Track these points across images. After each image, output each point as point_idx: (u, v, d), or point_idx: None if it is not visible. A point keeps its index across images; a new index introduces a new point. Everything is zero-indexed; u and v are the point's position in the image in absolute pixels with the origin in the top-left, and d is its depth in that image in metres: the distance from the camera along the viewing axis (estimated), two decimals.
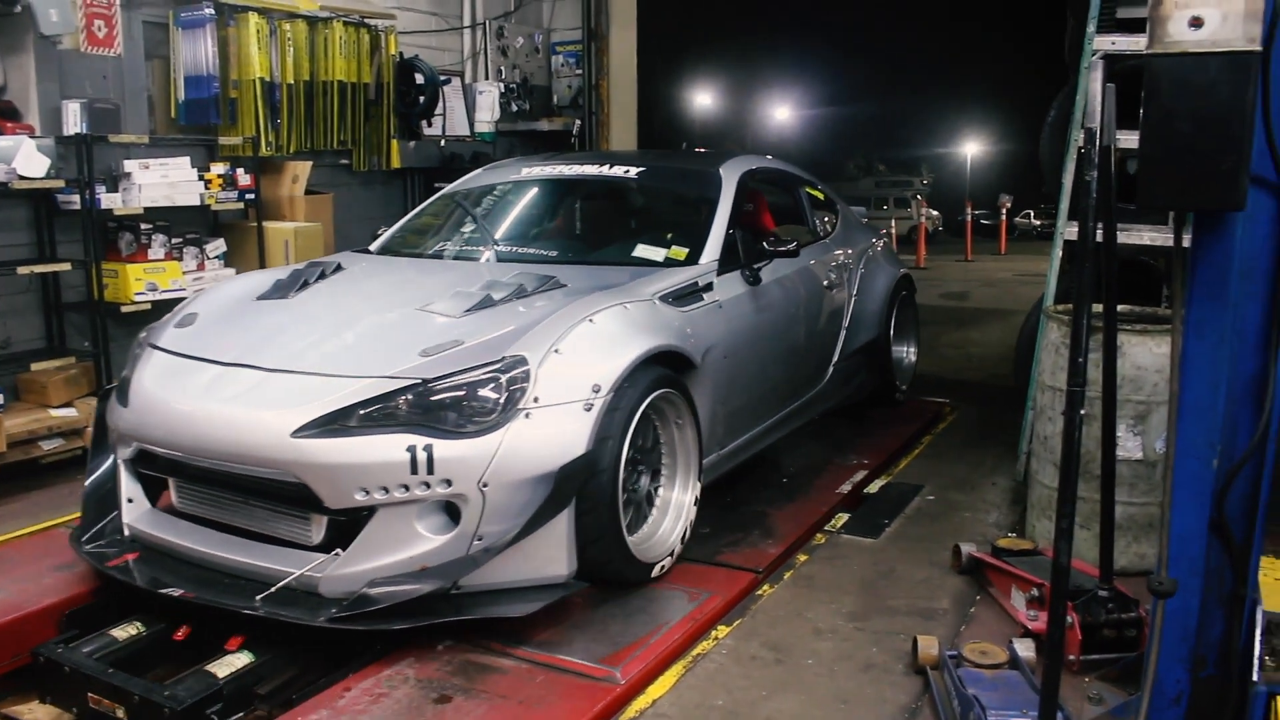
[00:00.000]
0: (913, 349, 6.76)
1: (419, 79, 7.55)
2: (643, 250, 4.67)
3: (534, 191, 5.38)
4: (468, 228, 5.21)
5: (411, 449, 3.23)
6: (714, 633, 3.60)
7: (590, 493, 3.45)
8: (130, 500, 3.88)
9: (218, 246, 6.10)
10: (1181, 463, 2.74)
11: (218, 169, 6.07)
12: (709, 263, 4.48)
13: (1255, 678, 2.66)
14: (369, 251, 5.13)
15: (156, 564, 3.70)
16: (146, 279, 5.63)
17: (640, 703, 3.14)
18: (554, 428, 3.38)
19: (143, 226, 5.65)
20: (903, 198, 24.64)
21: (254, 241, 6.27)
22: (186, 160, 5.82)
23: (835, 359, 5.62)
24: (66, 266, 5.37)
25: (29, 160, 5.07)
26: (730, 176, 5.02)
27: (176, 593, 3.48)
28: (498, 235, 5.09)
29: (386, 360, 3.51)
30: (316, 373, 3.54)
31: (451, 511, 3.32)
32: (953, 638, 3.51)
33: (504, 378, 3.38)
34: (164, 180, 5.63)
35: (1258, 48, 2.30)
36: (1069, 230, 4.77)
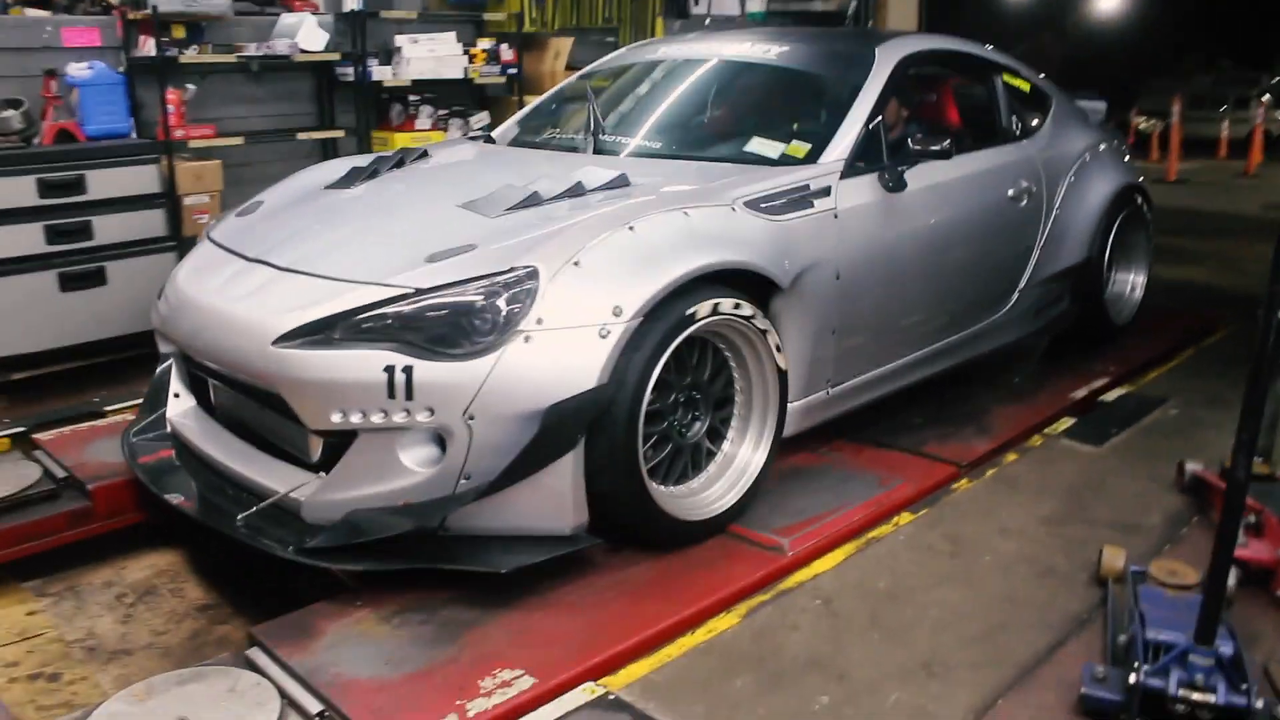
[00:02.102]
0: (1140, 278, 5.68)
1: None
2: (757, 145, 4.01)
3: (664, 74, 4.72)
4: (583, 114, 4.57)
5: (390, 369, 2.83)
6: (896, 519, 3.55)
7: (604, 436, 2.96)
8: (177, 396, 3.71)
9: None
10: None
11: (483, 44, 6.38)
12: (833, 162, 3.81)
13: None
14: (488, 138, 4.81)
15: (182, 465, 3.54)
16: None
17: (801, 575, 3.18)
18: (558, 356, 2.89)
19: (411, 98, 6.06)
20: (1244, 96, 22.11)
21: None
22: (453, 35, 6.14)
23: (1022, 284, 4.79)
24: (341, 133, 5.86)
25: (310, 35, 5.54)
26: (886, 59, 4.25)
27: (176, 500, 3.34)
28: (610, 124, 4.46)
29: (391, 265, 3.11)
30: (321, 275, 3.19)
31: (441, 443, 2.92)
32: (1152, 556, 3.30)
33: (505, 293, 2.91)
34: (431, 54, 5.98)
35: None
36: None
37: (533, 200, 3.39)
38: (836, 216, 3.67)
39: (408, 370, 2.82)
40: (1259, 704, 2.35)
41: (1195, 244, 8.70)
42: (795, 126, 4.17)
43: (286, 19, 5.63)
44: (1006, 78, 5.01)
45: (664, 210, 3.24)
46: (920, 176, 4.03)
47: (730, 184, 3.52)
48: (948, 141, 3.99)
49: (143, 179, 5.01)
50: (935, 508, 3.64)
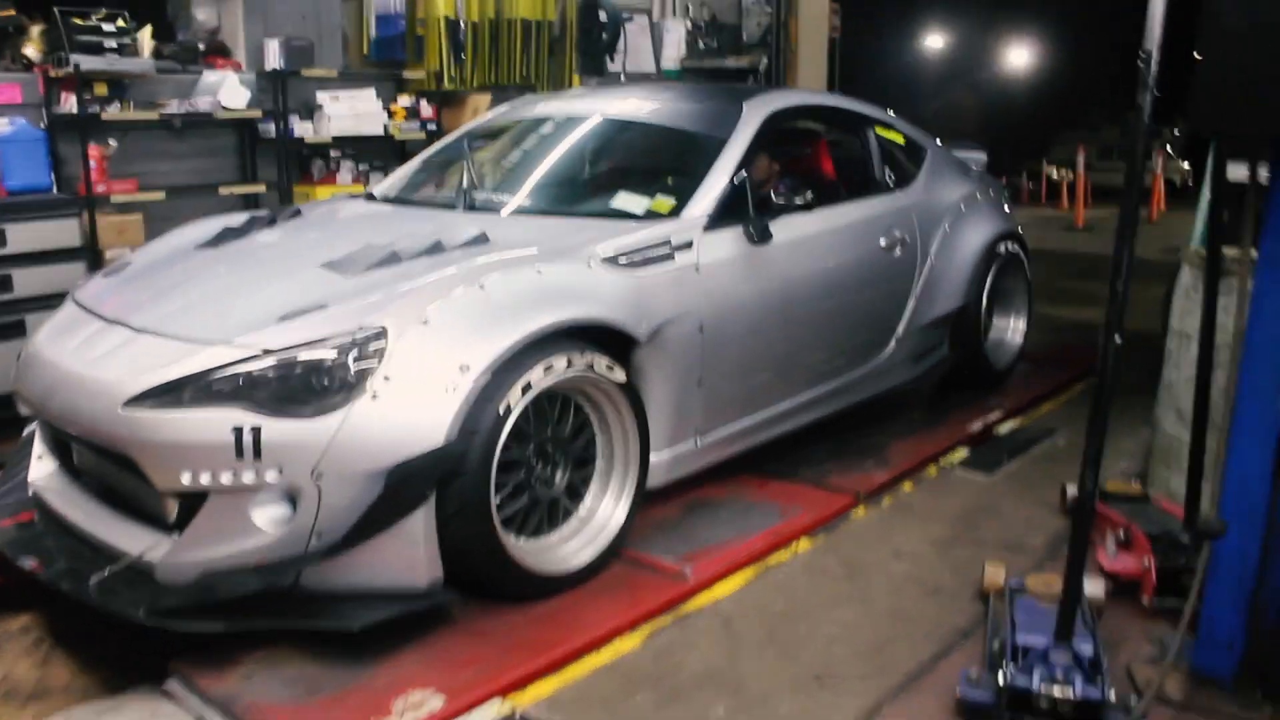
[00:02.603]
0: (1019, 323, 5.77)
1: (602, 16, 7.81)
2: (623, 200, 4.05)
3: (541, 131, 4.72)
4: (457, 171, 4.63)
5: (238, 430, 2.82)
6: (795, 545, 3.74)
7: (455, 493, 2.97)
8: (40, 458, 3.64)
9: None
10: (1245, 403, 2.71)
11: (404, 101, 6.57)
12: (695, 216, 3.86)
13: None
14: (369, 195, 4.76)
15: (45, 529, 3.45)
16: None
17: (703, 599, 3.35)
18: (404, 413, 2.89)
19: (332, 154, 6.23)
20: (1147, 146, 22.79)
21: None
22: (373, 92, 6.34)
23: (899, 332, 4.86)
24: (263, 188, 6.00)
25: (232, 93, 5.69)
26: (753, 115, 4.30)
27: (29, 564, 3.25)
28: (486, 181, 4.53)
29: (243, 325, 3.09)
30: (175, 336, 3.16)
31: (292, 501, 2.92)
32: (1033, 572, 3.51)
33: (353, 351, 2.92)
34: (352, 111, 6.16)
35: None
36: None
37: (391, 259, 3.39)
38: (698, 270, 3.73)
39: (255, 430, 2.83)
40: (1111, 696, 2.55)
41: (1096, 287, 9.10)
42: (663, 182, 4.23)
43: (209, 77, 5.77)
44: (879, 130, 5.14)
45: (516, 268, 3.28)
46: (786, 229, 4.11)
47: (589, 240, 3.57)
48: (809, 194, 4.13)
49: (64, 233, 5.09)
50: (832, 534, 3.84)
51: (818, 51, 9.33)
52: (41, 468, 3.62)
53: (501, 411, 3.03)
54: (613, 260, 3.51)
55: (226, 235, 4.06)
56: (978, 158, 5.91)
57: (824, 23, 9.29)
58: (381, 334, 2.96)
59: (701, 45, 9.00)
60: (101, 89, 5.44)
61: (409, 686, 2.79)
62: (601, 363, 3.30)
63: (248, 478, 2.85)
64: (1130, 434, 4.96)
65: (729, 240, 3.90)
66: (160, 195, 5.67)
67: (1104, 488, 3.95)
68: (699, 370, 3.75)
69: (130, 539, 3.11)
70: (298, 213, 4.40)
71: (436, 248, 3.47)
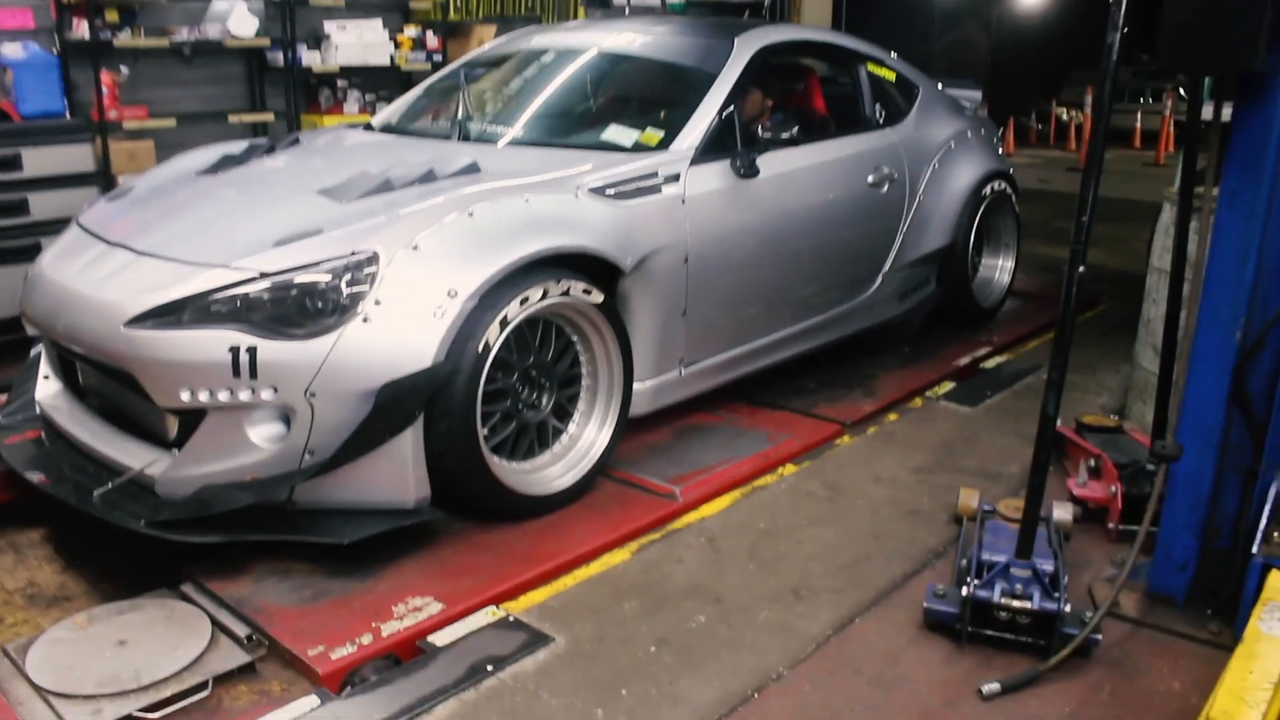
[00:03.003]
0: (1008, 263, 5.87)
1: None
2: (613, 133, 4.14)
3: (537, 63, 4.81)
4: (454, 102, 4.69)
5: (235, 349, 2.93)
6: (781, 470, 3.90)
7: (442, 414, 3.09)
8: (46, 378, 3.78)
9: None
10: (1204, 331, 2.83)
11: (410, 31, 6.62)
12: (683, 149, 3.93)
13: (1255, 549, 2.73)
14: (367, 125, 4.82)
15: (51, 445, 3.60)
16: None
17: (690, 518, 3.52)
18: (394, 336, 3.01)
19: (339, 83, 6.30)
20: (1159, 89, 22.72)
21: None
22: (379, 23, 6.39)
23: (886, 268, 4.95)
24: (270, 117, 6.09)
25: (240, 20, 5.76)
26: (743, 50, 4.36)
27: (36, 478, 3.40)
28: (479, 111, 4.60)
29: (241, 249, 3.20)
30: (175, 259, 3.26)
31: (286, 420, 3.04)
32: (1004, 497, 3.68)
33: (346, 275, 3.03)
34: (359, 41, 6.22)
35: None
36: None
37: (384, 187, 3.49)
38: (684, 202, 3.81)
39: (251, 350, 2.94)
40: (1067, 608, 2.72)
41: (1095, 228, 9.15)
42: (654, 115, 4.29)
43: (218, 4, 5.84)
44: (871, 67, 5.17)
45: (504, 196, 3.37)
46: (774, 164, 4.18)
47: (577, 171, 3.66)
48: (795, 129, 4.22)
49: (77, 158, 5.17)
50: (818, 460, 4.00)
51: None
52: (48, 387, 3.75)
53: (488, 335, 3.14)
54: (600, 191, 3.60)
55: (226, 162, 4.15)
56: (972, 96, 5.94)
57: None
58: (373, 259, 3.06)
59: None
60: (113, 15, 5.50)
61: (409, 593, 2.98)
62: (578, 287, 3.38)
63: (244, 396, 2.97)
64: (1113, 370, 5.11)
65: (716, 173, 3.98)
66: (171, 122, 5.76)
67: (1081, 420, 4.11)
68: (684, 301, 3.85)
69: (132, 455, 3.25)
70: (296, 141, 4.48)
71: (429, 176, 3.55)
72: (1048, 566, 2.83)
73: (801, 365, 4.74)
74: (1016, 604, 2.74)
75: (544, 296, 3.29)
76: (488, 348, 3.15)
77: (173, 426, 3.16)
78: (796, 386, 4.69)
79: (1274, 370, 2.80)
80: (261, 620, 2.84)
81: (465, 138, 4.35)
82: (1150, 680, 2.72)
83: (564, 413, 3.60)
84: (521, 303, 3.23)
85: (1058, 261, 7.59)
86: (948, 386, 4.86)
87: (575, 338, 3.55)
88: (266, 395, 2.96)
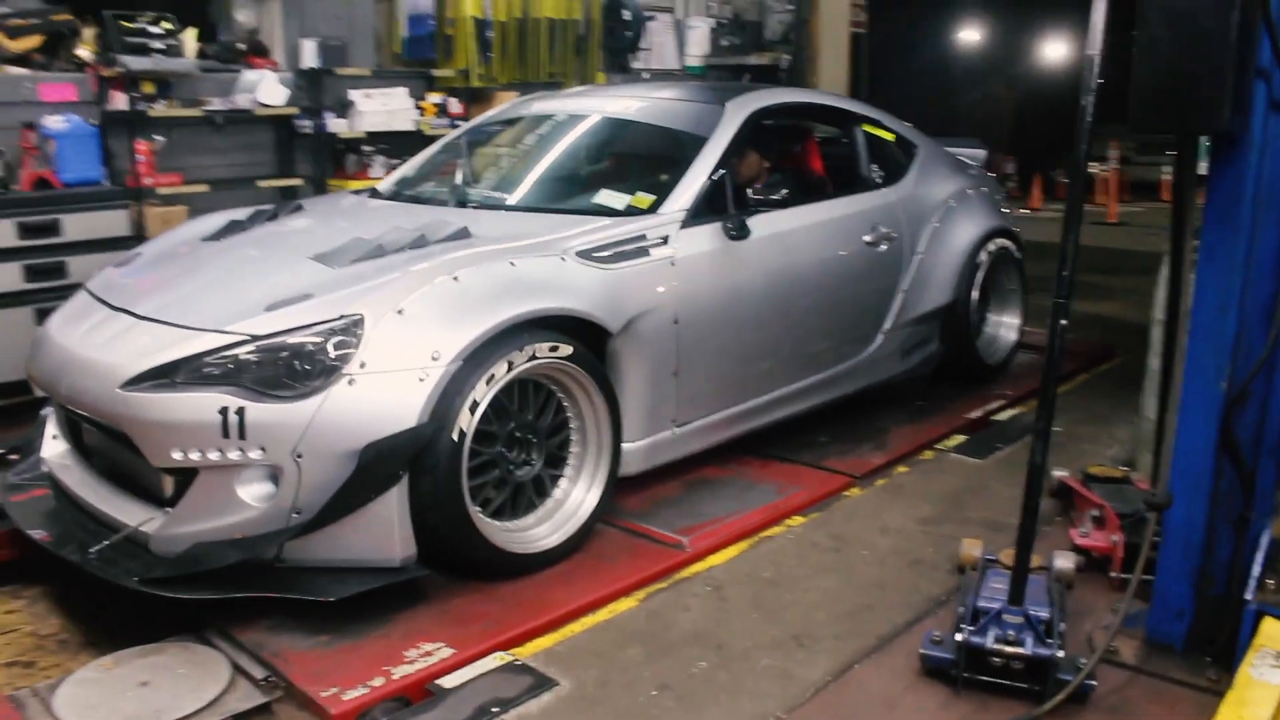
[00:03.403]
0: (1013, 320, 5.83)
1: (625, 15, 8.06)
2: (605, 197, 4.23)
3: (536, 129, 4.91)
4: (454, 168, 4.86)
5: (224, 410, 3.03)
6: (788, 521, 3.98)
7: (427, 475, 3.15)
8: (55, 437, 3.88)
9: None
10: (1190, 381, 2.90)
11: (433, 98, 6.87)
12: (673, 212, 4.01)
13: (1249, 596, 2.78)
14: (373, 191, 4.93)
15: (57, 504, 3.72)
16: None
17: (698, 567, 3.60)
18: (378, 397, 3.08)
19: (365, 148, 6.53)
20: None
21: None
22: (404, 90, 6.64)
23: (887, 326, 4.96)
24: (299, 182, 6.32)
25: (270, 90, 6.01)
26: (735, 114, 4.45)
27: (39, 536, 3.51)
28: (480, 177, 4.76)
29: (235, 313, 3.30)
30: (171, 323, 3.37)
31: (275, 479, 3.11)
32: (1007, 547, 3.72)
33: (333, 339, 3.12)
34: (384, 108, 6.46)
35: None
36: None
37: (376, 252, 3.58)
38: (674, 264, 3.87)
39: (240, 411, 3.02)
40: (1061, 654, 2.77)
41: (1118, 282, 9.21)
42: (646, 179, 4.37)
43: (248, 75, 6.11)
44: (868, 128, 5.23)
45: (490, 261, 3.45)
46: (766, 225, 4.24)
47: (566, 235, 3.74)
48: (785, 191, 4.25)
49: (114, 222, 5.40)
50: (825, 511, 4.07)
51: (839, 48, 9.52)
52: (54, 446, 3.86)
53: (474, 396, 3.20)
54: (587, 254, 3.67)
55: (231, 229, 4.28)
56: (977, 155, 6.02)
57: (844, 20, 9.49)
58: (359, 322, 3.14)
59: (725, 43, 9.22)
60: (149, 87, 5.77)
61: (421, 638, 3.08)
62: (566, 352, 3.44)
63: (233, 455, 3.05)
64: (1125, 422, 5.14)
65: (707, 235, 4.04)
66: (204, 188, 6.00)
67: (1088, 471, 4.16)
68: (675, 361, 3.89)
69: (130, 513, 3.34)
70: (299, 207, 4.61)
71: (420, 241, 3.64)
72: (1043, 614, 2.88)
73: (813, 419, 4.82)
74: (1009, 649, 2.79)
75: (531, 359, 3.36)
76: (474, 407, 3.21)
77: (169, 485, 3.25)
78: (808, 440, 4.76)
79: (1260, 419, 2.87)
80: (278, 663, 2.95)
81: (462, 203, 4.47)
82: None
83: (553, 475, 3.64)
84: (509, 366, 3.30)
85: (1078, 315, 7.61)
86: (958, 439, 4.91)
87: (563, 398, 3.60)
88: (255, 455, 3.05)
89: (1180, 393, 2.92)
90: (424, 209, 4.40)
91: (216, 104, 6.03)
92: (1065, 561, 3.40)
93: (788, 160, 5.05)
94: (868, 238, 4.82)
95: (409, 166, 5.12)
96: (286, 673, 2.91)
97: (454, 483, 3.19)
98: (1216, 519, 2.95)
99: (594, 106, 4.87)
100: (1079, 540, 3.67)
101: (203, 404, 3.06)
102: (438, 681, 2.87)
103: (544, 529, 3.56)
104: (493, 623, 3.17)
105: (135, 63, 5.61)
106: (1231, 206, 2.74)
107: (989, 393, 5.55)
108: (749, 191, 4.25)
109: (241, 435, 3.03)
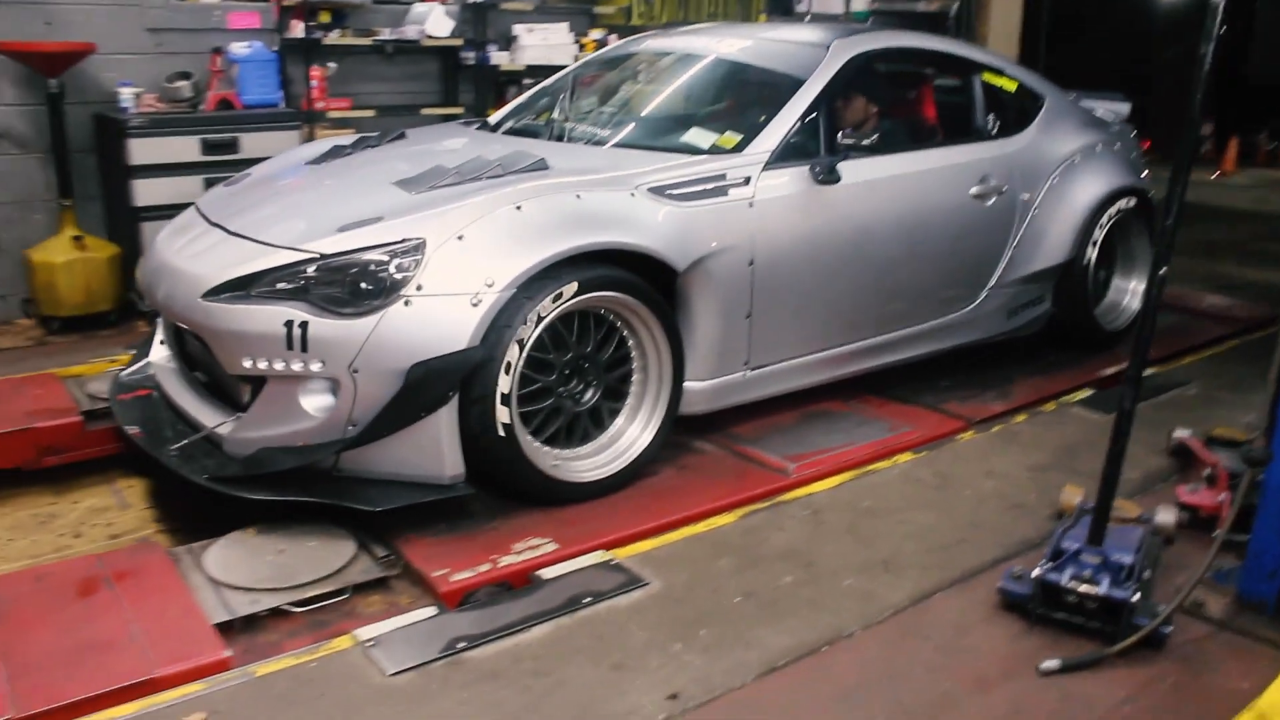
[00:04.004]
0: (1139, 285, 5.50)
1: None
2: (693, 135, 4.23)
3: (636, 68, 4.94)
4: (557, 103, 4.90)
5: (289, 323, 3.18)
6: (896, 458, 4.06)
7: (477, 396, 3.26)
8: (162, 342, 4.10)
9: None
10: None
11: (594, 34, 7.05)
12: (757, 153, 3.97)
13: None
14: (484, 124, 5.02)
15: (157, 403, 3.94)
16: None
17: (799, 492, 3.73)
18: (433, 319, 3.19)
19: (525, 81, 6.77)
20: None
21: None
22: (565, 26, 6.86)
23: (991, 282, 4.83)
24: (461, 111, 6.62)
25: (437, 22, 6.32)
26: (837, 56, 4.36)
27: (132, 430, 3.75)
28: (576, 112, 4.76)
29: (310, 232, 3.44)
30: (256, 239, 3.52)
31: (334, 392, 3.26)
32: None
33: (394, 260, 3.24)
34: (544, 43, 6.70)
35: None
36: None
37: (453, 180, 3.64)
38: (752, 205, 3.84)
39: (303, 325, 3.18)
40: (1135, 598, 2.81)
41: None
42: (740, 118, 4.33)
43: (418, 8, 6.43)
44: (987, 76, 5.02)
45: (556, 193, 3.51)
46: (860, 171, 4.17)
47: (641, 170, 3.74)
48: (875, 136, 4.17)
49: (287, 142, 5.77)
50: (935, 451, 4.14)
51: None
52: (160, 351, 4.13)
53: (526, 323, 3.30)
54: (659, 191, 3.69)
55: (333, 153, 4.44)
56: (1119, 109, 5.73)
57: None
58: (421, 246, 3.27)
59: None
60: (325, 17, 6.17)
61: (529, 534, 3.34)
62: (626, 286, 3.50)
63: (296, 366, 3.23)
64: (1264, 388, 4.99)
65: (791, 178, 4.00)
66: (371, 113, 6.39)
67: (1212, 434, 4.10)
68: (748, 303, 3.89)
69: (209, 416, 3.58)
70: (401, 135, 4.69)
71: (497, 171, 3.71)
72: (1125, 559, 2.91)
73: (939, 364, 4.85)
74: (1084, 588, 2.84)
75: (587, 289, 3.42)
76: (525, 336, 3.31)
77: (246, 392, 3.44)
78: (930, 383, 4.80)
79: None
80: (398, 544, 3.27)
81: (557, 137, 4.54)
82: (1218, 678, 2.76)
83: (619, 396, 3.72)
84: (555, 299, 3.36)
85: (1243, 280, 7.33)
86: (1085, 394, 4.86)
87: (627, 333, 3.66)
88: (315, 367, 3.22)
89: None
90: (519, 141, 4.44)
91: (386, 34, 6.38)
92: (1167, 515, 3.39)
93: (900, 107, 4.93)
94: (975, 190, 4.68)
95: (522, 99, 5.21)
96: (404, 552, 3.22)
97: (502, 407, 3.30)
98: None
99: (701, 46, 4.82)
100: (1185, 497, 3.64)
101: (271, 316, 3.23)
102: (538, 572, 3.12)
103: (595, 461, 3.65)
104: (597, 525, 3.41)
105: None
106: None
107: (1125, 352, 5.43)
108: (839, 135, 4.17)
109: (304, 348, 3.20)
